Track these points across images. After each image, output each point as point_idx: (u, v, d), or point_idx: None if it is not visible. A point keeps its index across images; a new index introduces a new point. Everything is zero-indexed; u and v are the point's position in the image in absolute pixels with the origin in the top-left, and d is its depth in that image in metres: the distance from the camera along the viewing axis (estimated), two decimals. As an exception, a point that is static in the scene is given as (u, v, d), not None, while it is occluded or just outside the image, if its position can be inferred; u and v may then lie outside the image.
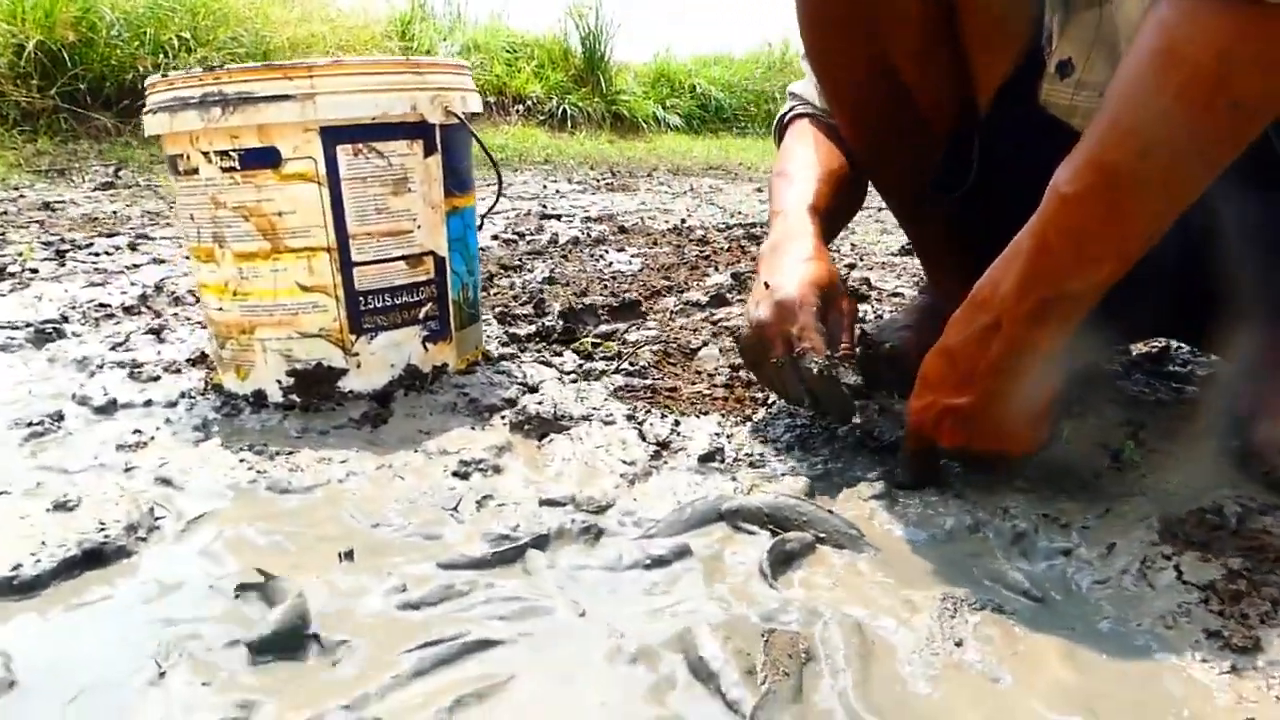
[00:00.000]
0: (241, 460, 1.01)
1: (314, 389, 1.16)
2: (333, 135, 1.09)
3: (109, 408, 1.18)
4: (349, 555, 0.81)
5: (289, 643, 0.68)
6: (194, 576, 0.79)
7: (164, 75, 1.12)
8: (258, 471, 0.98)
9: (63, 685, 0.64)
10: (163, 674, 0.65)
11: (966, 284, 0.86)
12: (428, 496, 0.93)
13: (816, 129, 1.23)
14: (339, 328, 1.15)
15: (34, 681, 0.65)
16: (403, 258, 1.16)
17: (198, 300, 1.84)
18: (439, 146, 1.17)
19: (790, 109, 1.30)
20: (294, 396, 1.16)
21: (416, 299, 1.19)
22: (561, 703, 0.63)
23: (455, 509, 0.90)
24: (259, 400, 1.17)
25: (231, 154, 1.09)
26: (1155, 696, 0.61)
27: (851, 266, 2.25)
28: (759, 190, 4.32)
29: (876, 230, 3.00)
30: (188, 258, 1.31)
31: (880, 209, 3.16)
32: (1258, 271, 0.95)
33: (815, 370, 0.94)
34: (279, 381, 1.16)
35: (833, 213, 1.14)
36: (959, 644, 0.67)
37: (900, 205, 1.24)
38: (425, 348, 1.21)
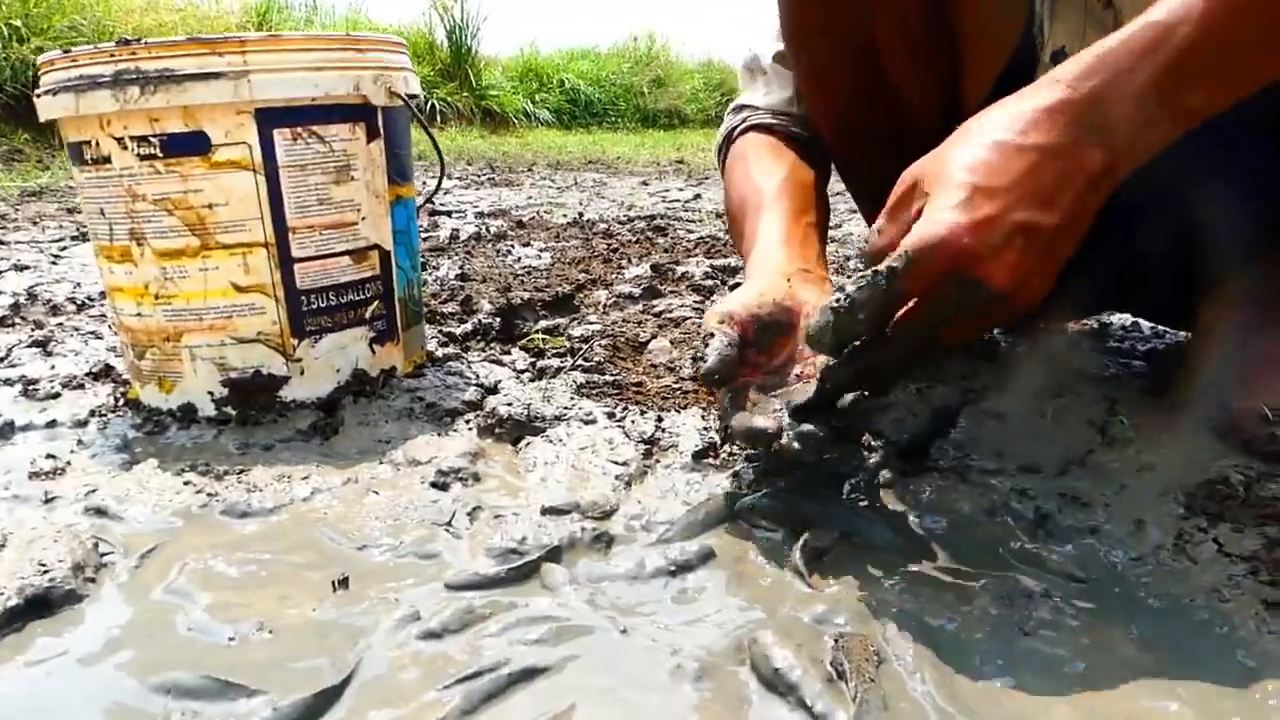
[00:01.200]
0: (186, 482, 0.90)
1: (252, 400, 1.05)
2: (269, 118, 0.98)
3: (5, 430, 1.04)
4: (343, 583, 0.72)
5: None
6: (162, 620, 0.68)
7: (65, 51, 0.99)
8: (208, 494, 0.88)
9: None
10: (169, 738, 0.55)
11: None
12: (411, 511, 0.84)
13: (772, 140, 1.09)
14: (279, 331, 1.04)
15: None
16: (347, 252, 1.07)
17: (81, 308, 1.66)
18: (381, 130, 1.08)
19: (742, 121, 1.15)
20: (229, 409, 1.05)
21: (362, 297, 1.09)
22: (634, 731, 0.57)
23: (449, 524, 0.82)
24: (187, 415, 1.05)
25: (152, 140, 0.97)
26: (1232, 674, 0.60)
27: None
28: (644, 183, 4.30)
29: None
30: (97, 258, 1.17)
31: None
32: (1226, 242, 0.97)
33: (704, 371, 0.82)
34: (211, 393, 1.05)
35: (817, 225, 1.00)
36: (1026, 633, 0.65)
37: (874, 210, 1.22)
38: (373, 350, 1.12)
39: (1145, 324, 1.47)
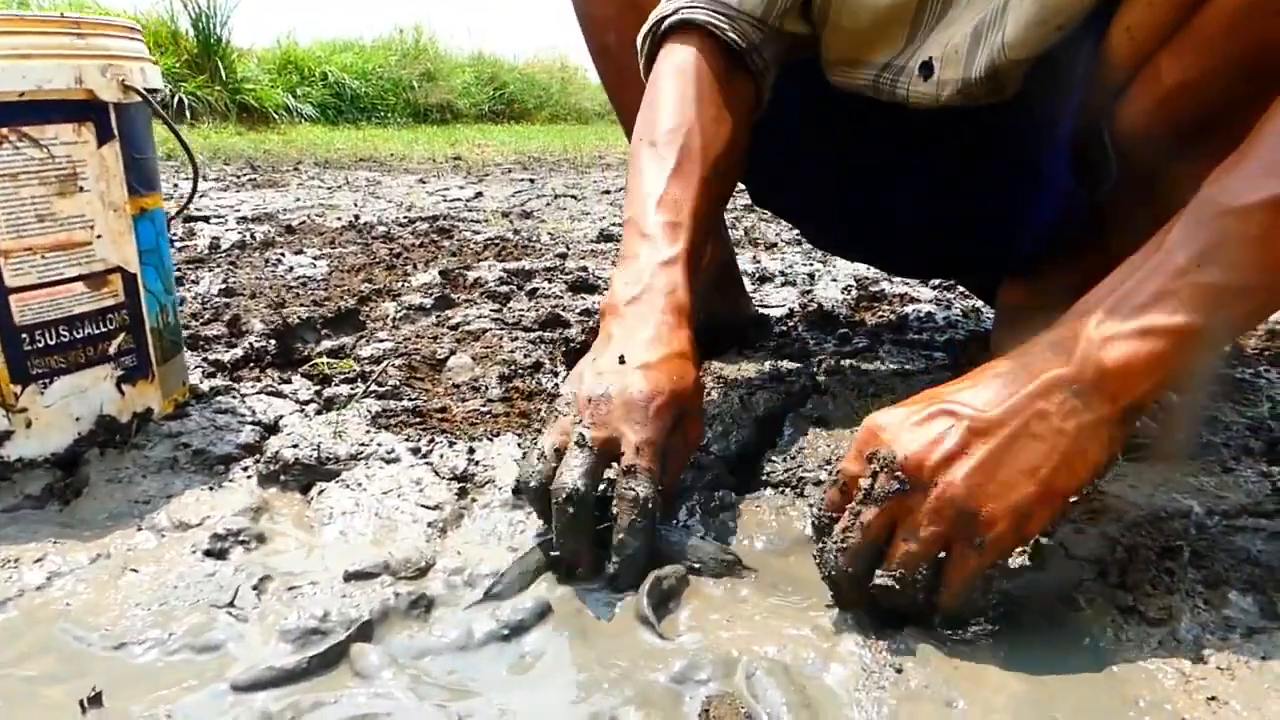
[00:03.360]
0: None
1: (-37, 463, 0.85)
2: (-37, 117, 0.80)
3: None
4: (94, 700, 0.58)
5: None
6: None
7: None
8: (-99, 594, 0.69)
9: None
10: None
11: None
12: (181, 591, 0.70)
13: (704, 62, 0.91)
14: (-6, 377, 0.85)
15: None
16: (80, 277, 0.89)
17: None
18: (116, 132, 0.91)
19: (672, 11, 0.93)
20: (-69, 477, 0.85)
21: (103, 330, 0.92)
22: None
23: (232, 603, 0.68)
24: (-127, 488, 0.84)
25: None
26: (1106, 691, 0.59)
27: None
28: (422, 182, 4.10)
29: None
30: None
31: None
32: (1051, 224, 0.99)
33: (638, 501, 0.70)
34: (-95, 459, 0.84)
35: (709, 216, 0.89)
36: (899, 670, 0.60)
37: (631, 125, 1.17)
38: (121, 391, 0.94)
39: (939, 315, 1.52)
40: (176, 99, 6.11)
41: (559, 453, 0.73)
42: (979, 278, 1.33)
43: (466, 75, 8.83)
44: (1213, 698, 0.56)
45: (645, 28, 0.96)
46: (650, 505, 0.70)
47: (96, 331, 0.91)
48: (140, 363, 0.96)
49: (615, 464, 0.73)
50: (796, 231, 2.63)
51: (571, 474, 0.70)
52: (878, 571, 0.63)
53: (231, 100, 6.56)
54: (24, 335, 0.86)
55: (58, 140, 0.86)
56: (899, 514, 0.63)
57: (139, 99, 0.93)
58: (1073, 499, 0.62)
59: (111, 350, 0.93)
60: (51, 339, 0.88)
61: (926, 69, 0.89)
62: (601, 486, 0.73)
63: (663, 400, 0.74)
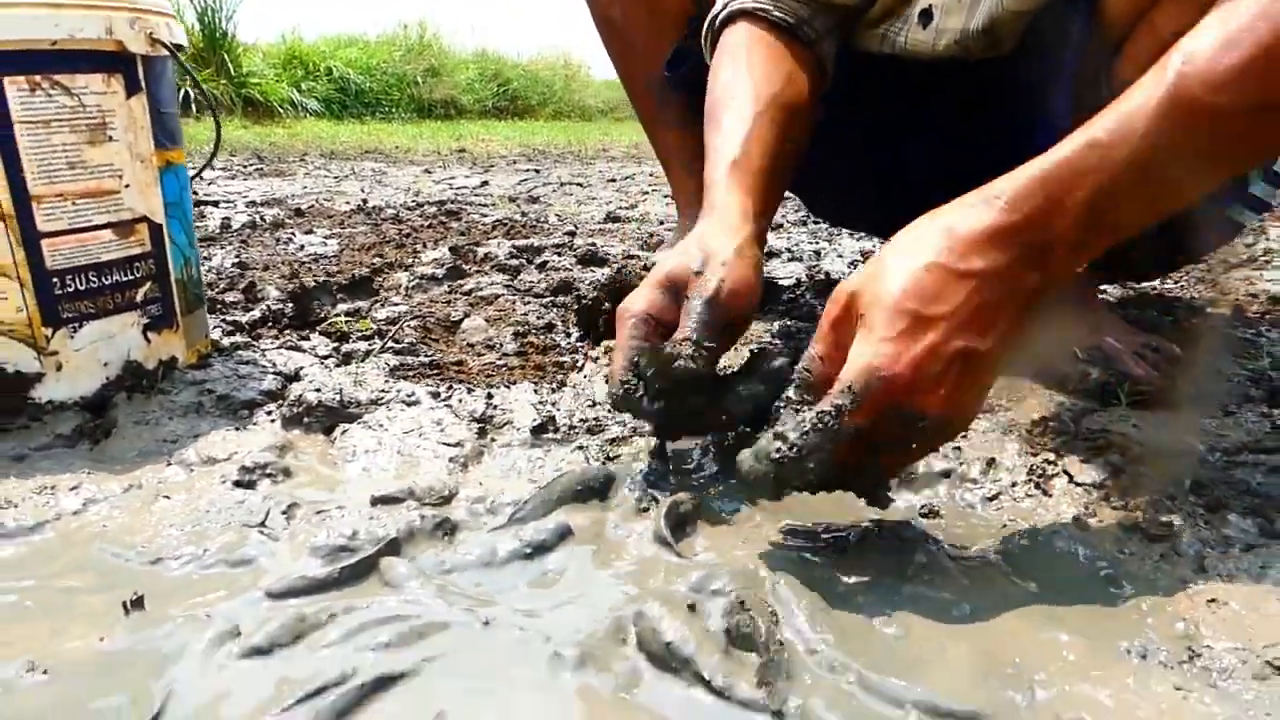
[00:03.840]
0: (-89, 504, 0.73)
1: (-5, 403, 0.87)
2: (-3, 63, 0.82)
3: None
4: (137, 603, 0.60)
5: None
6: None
7: None
8: (-57, 516, 0.71)
9: None
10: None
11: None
12: (213, 515, 0.72)
13: (757, 34, 0.95)
14: (26, 320, 0.87)
15: None
16: (109, 225, 0.91)
17: None
18: (143, 84, 0.93)
19: (723, 7, 0.99)
20: (-36, 417, 0.87)
21: (130, 277, 0.94)
22: (517, 732, 0.49)
23: (263, 524, 0.70)
24: (-92, 427, 0.87)
25: None
26: (1107, 596, 0.61)
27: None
28: (427, 172, 4.13)
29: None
30: None
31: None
32: None
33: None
34: (-61, 399, 0.87)
35: (771, 171, 0.89)
36: (909, 579, 0.62)
37: (641, 100, 1.19)
38: (147, 338, 0.96)
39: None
40: (183, 93, 6.14)
41: None
42: None
43: (470, 71, 8.85)
44: (1212, 600, 0.58)
45: (704, 28, 1.00)
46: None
47: (124, 279, 0.93)
48: (165, 312, 0.98)
49: None
50: (802, 213, 2.65)
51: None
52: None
53: (237, 94, 6.58)
54: (55, 279, 0.88)
55: (88, 90, 0.88)
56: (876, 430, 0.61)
57: (165, 53, 0.95)
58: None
59: (138, 298, 0.95)
60: (81, 284, 0.90)
61: (926, 16, 0.91)
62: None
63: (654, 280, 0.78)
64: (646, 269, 1.13)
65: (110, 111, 0.90)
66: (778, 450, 0.60)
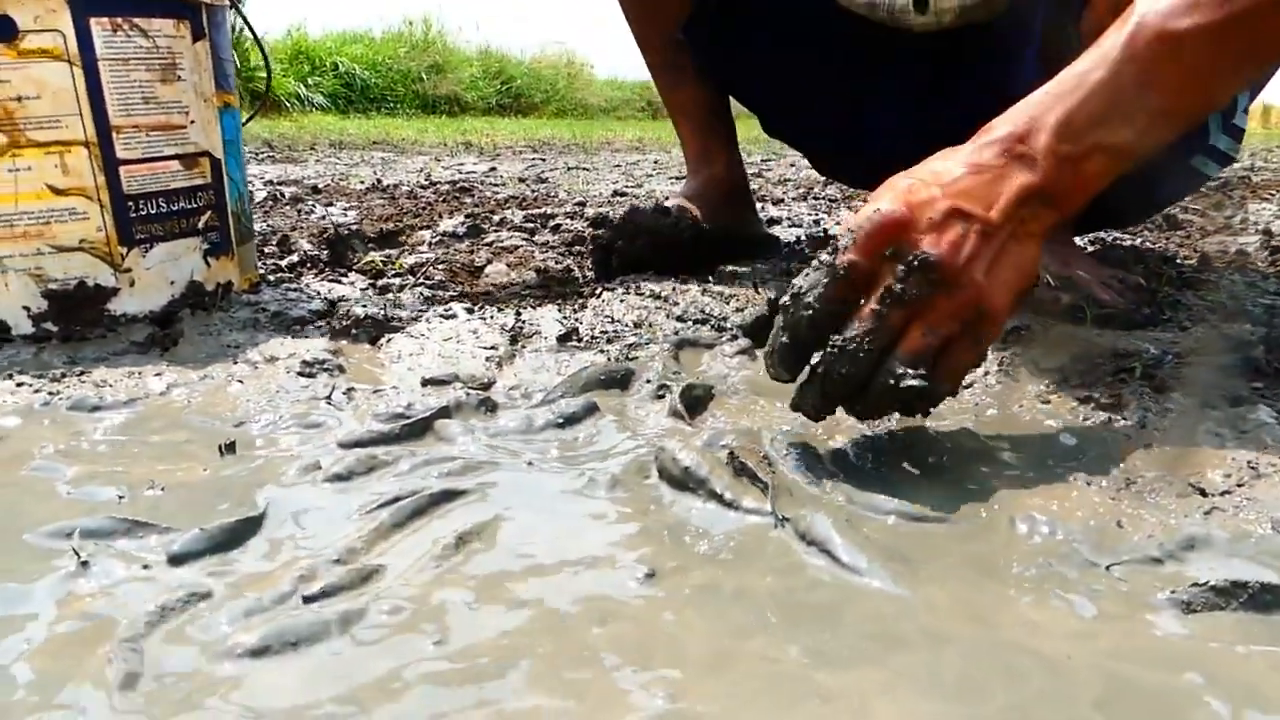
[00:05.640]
0: (20, 384, 0.83)
1: (77, 314, 0.97)
2: (84, 5, 0.92)
3: None
4: (230, 447, 0.70)
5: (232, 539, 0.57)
6: (35, 488, 0.64)
7: None
8: (48, 393, 0.82)
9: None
10: (85, 563, 0.52)
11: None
12: (283, 394, 0.82)
13: None
14: (105, 239, 0.97)
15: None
16: (176, 156, 1.01)
17: None
18: (206, 31, 1.03)
19: None
20: (50, 325, 0.97)
21: (195, 206, 1.04)
22: (561, 527, 0.59)
23: (328, 399, 0.81)
24: (-2, 334, 0.97)
25: (-54, 24, 0.89)
26: (1059, 444, 0.71)
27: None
28: (436, 160, 4.23)
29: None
30: None
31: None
32: None
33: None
34: (27, 308, 0.97)
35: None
36: (892, 438, 0.72)
37: (655, 57, 1.28)
38: (207, 262, 1.07)
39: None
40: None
41: None
42: None
43: (474, 68, 8.97)
44: (1148, 445, 0.68)
45: None
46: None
47: (189, 206, 1.04)
48: (223, 239, 1.09)
49: None
50: (803, 189, 2.76)
51: None
52: (897, 368, 0.63)
53: (245, 88, 6.69)
54: (130, 203, 0.98)
55: (161, 33, 0.98)
56: (920, 313, 0.64)
57: (225, 3, 1.05)
58: None
59: (200, 225, 1.05)
60: (152, 209, 1.00)
61: (921, 4, 1.01)
62: None
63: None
64: (657, 209, 1.23)
65: (179, 54, 1.00)
66: (784, 300, 0.66)
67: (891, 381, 0.63)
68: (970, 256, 0.64)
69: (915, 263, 0.63)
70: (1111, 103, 0.68)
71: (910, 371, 0.63)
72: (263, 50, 1.18)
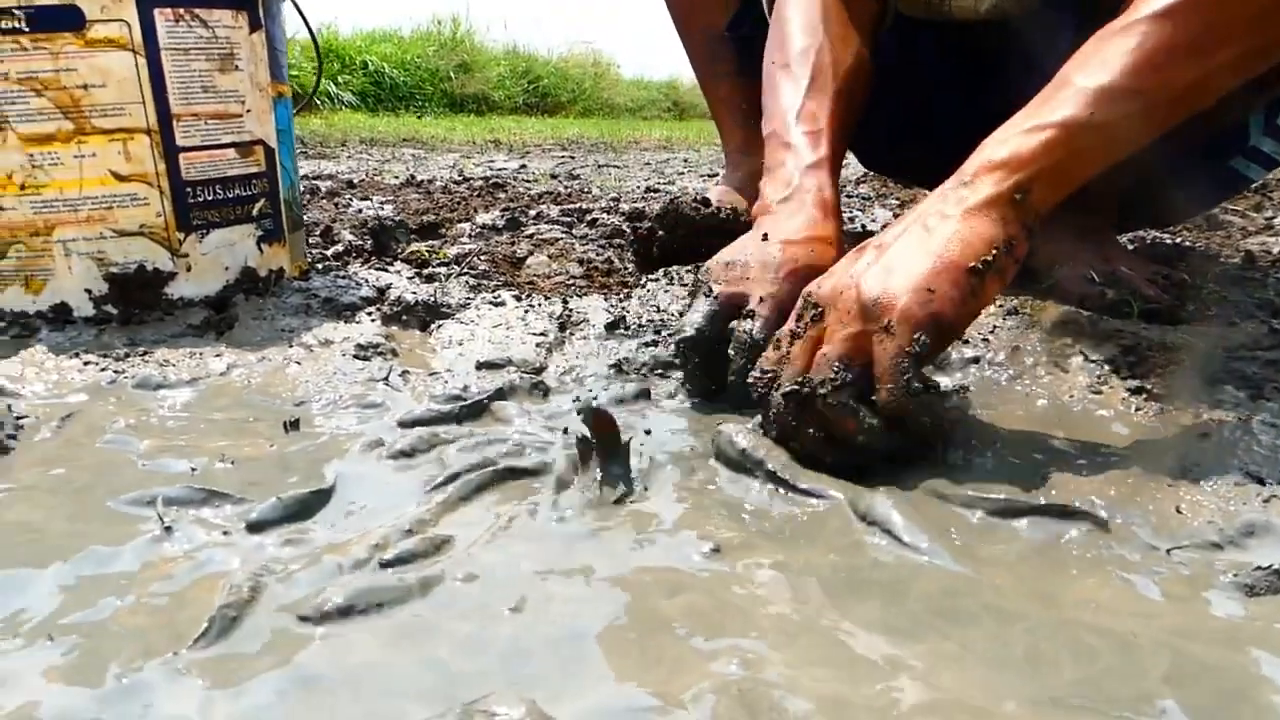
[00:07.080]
0: (86, 363, 0.85)
1: (136, 297, 0.99)
2: (149, -5, 0.94)
3: None
4: (294, 425, 0.72)
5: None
6: (111, 460, 0.66)
7: (-92, -86, 0.91)
8: (114, 371, 0.84)
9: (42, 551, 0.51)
10: (169, 528, 0.54)
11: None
12: (340, 376, 0.84)
13: None
14: (164, 224, 1.00)
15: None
16: (233, 145, 1.03)
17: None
18: (262, 23, 1.05)
19: None
20: (110, 308, 0.99)
21: (250, 193, 1.06)
22: (622, 504, 0.60)
23: (385, 380, 0.82)
24: (60, 315, 0.99)
25: (15, 12, 0.91)
26: (1110, 431, 0.71)
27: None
28: (467, 157, 4.26)
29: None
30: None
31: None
32: None
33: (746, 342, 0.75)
34: (89, 291, 0.99)
35: (846, 125, 0.95)
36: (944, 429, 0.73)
37: (697, 50, 1.28)
38: (260, 249, 1.09)
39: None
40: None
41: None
42: None
43: (501, 68, 9.00)
44: (1204, 435, 0.69)
45: None
46: (756, 348, 0.73)
47: (244, 194, 1.06)
48: (275, 227, 1.10)
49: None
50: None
51: (691, 318, 0.78)
52: (810, 379, 0.63)
53: (277, 85, 6.75)
54: (188, 189, 1.00)
55: (220, 23, 1.00)
56: (817, 337, 0.66)
57: (281, -4, 1.07)
58: (982, 273, 0.64)
59: (254, 212, 1.07)
60: (209, 195, 1.02)
61: None
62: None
63: (795, 267, 0.78)
64: (698, 200, 1.24)
65: (237, 44, 1.02)
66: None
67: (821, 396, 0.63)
68: (857, 272, 0.66)
69: (804, 303, 0.69)
70: (1050, 92, 0.69)
71: (805, 379, 0.64)
72: (315, 42, 1.20)
